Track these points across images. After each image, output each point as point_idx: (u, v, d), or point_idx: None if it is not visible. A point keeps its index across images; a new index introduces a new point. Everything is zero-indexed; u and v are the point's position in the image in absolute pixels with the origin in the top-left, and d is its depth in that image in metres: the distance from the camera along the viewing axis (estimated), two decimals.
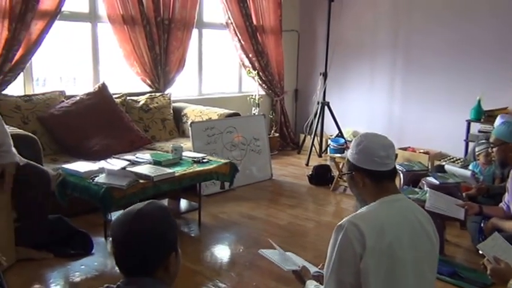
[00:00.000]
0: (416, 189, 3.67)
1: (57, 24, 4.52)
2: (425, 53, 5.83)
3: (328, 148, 6.27)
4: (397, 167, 4.38)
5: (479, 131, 4.98)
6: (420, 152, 5.64)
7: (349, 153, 1.91)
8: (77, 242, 3.34)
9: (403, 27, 6.05)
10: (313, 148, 6.22)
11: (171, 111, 5.31)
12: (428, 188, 3.59)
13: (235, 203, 4.50)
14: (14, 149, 3.09)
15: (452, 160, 5.23)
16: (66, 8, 4.54)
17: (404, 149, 5.78)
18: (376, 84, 6.42)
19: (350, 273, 1.67)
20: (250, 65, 6.36)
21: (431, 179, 3.78)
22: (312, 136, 6.27)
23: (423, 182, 3.85)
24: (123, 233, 1.38)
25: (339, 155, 5.23)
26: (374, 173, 1.81)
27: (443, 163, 4.54)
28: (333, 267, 1.71)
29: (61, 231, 3.35)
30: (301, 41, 7.21)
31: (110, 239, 1.47)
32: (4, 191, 2.96)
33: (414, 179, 4.19)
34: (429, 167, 5.03)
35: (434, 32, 5.73)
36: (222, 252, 3.58)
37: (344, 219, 1.72)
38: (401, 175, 4.30)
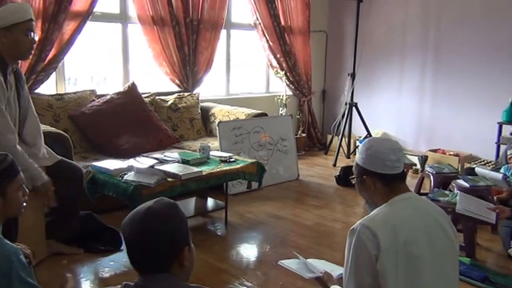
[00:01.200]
0: (447, 192, 3.61)
1: (89, 25, 4.61)
2: (456, 55, 5.72)
3: (357, 149, 6.21)
4: (427, 169, 4.36)
5: (511, 134, 4.87)
6: (450, 154, 5.53)
7: (358, 158, 1.90)
8: (106, 238, 3.39)
9: (433, 28, 5.95)
10: (341, 149, 6.18)
11: (199, 111, 5.35)
12: (458, 191, 3.53)
13: (262, 203, 4.50)
14: (45, 150, 3.05)
15: (483, 163, 5.12)
16: (97, 9, 4.63)
17: (434, 150, 5.68)
18: (405, 85, 6.33)
19: (367, 275, 1.67)
20: (277, 66, 6.36)
21: (461, 182, 3.72)
22: (340, 137, 6.23)
23: (453, 184, 3.79)
24: (134, 232, 1.40)
25: None
26: (386, 176, 1.81)
27: (474, 166, 4.45)
28: (350, 270, 1.72)
29: (91, 227, 3.41)
30: (329, 41, 7.17)
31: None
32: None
33: (444, 181, 4.13)
34: (459, 170, 4.94)
35: (464, 33, 5.62)
36: (248, 251, 3.59)
37: (356, 223, 1.73)
38: (432, 177, 4.24)
